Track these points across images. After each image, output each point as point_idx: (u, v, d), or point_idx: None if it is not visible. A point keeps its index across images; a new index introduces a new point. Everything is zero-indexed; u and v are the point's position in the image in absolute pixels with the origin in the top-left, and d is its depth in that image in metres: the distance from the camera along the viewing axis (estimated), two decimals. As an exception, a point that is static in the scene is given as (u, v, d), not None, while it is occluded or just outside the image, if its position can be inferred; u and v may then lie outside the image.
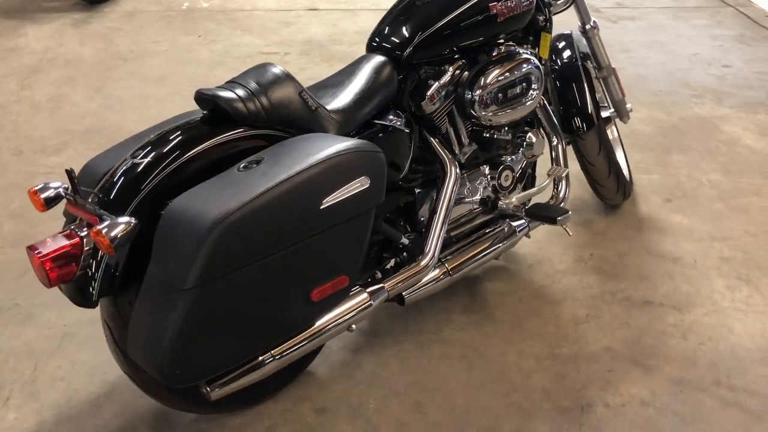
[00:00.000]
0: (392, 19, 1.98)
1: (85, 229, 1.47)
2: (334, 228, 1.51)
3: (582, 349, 2.07)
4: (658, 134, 3.25)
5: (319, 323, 1.64)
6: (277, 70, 1.69)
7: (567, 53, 2.39)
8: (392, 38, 1.93)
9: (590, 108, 2.36)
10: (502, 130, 2.10)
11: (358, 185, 1.52)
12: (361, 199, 1.54)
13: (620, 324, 2.16)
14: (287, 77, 1.68)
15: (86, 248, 1.46)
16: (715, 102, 3.57)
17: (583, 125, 2.36)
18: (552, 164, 2.30)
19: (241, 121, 1.60)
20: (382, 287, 1.79)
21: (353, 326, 1.74)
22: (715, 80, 3.83)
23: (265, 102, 1.62)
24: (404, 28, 1.93)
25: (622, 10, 4.88)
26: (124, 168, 1.52)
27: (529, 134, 2.17)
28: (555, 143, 2.27)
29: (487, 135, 2.10)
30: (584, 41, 2.47)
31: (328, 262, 1.56)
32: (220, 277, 1.36)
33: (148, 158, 1.52)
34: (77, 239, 1.46)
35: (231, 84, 1.65)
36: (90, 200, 1.47)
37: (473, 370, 1.99)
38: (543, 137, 2.23)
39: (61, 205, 1.58)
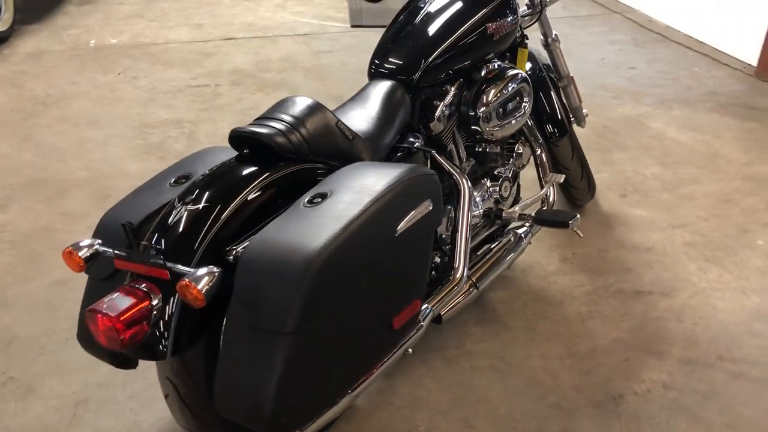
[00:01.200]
0: (396, 43, 1.99)
1: (144, 284, 1.38)
2: (408, 253, 1.50)
3: (595, 343, 2.16)
4: (594, 135, 3.43)
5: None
6: (309, 101, 1.65)
7: (530, 65, 2.49)
8: (400, 63, 1.94)
9: (561, 115, 2.47)
10: (494, 144, 2.16)
11: (424, 208, 1.51)
12: (427, 222, 1.53)
13: (621, 315, 2.27)
14: (322, 108, 1.65)
15: (155, 303, 1.37)
16: (633, 101, 3.83)
17: (556, 132, 2.46)
18: (538, 172, 2.39)
19: (285, 156, 1.56)
20: (427, 307, 1.79)
21: (410, 349, 1.72)
22: (626, 82, 4.10)
23: (306, 134, 1.57)
24: (411, 52, 1.94)
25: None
26: (178, 216, 1.43)
27: (517, 145, 2.25)
28: (539, 152, 2.36)
29: (480, 150, 2.15)
30: (544, 53, 2.58)
31: (404, 288, 1.54)
32: (317, 316, 1.32)
33: (202, 203, 1.44)
34: (143, 295, 1.36)
35: (265, 119, 1.60)
36: (152, 253, 1.37)
37: (506, 379, 2.03)
38: (528, 147, 2.31)
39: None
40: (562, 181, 2.33)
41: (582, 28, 4.96)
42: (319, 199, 1.45)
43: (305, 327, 1.30)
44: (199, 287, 1.26)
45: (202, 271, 1.28)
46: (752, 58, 4.18)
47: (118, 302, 1.34)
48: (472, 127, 2.04)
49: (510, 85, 2.09)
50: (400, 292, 1.52)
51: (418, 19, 2.03)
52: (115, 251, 1.41)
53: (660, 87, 4.03)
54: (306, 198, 1.47)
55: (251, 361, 1.32)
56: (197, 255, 1.39)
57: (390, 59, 1.97)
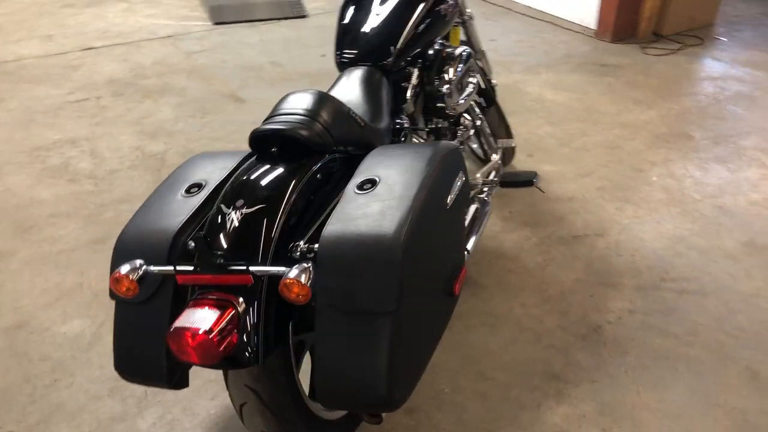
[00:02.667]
0: (362, 32, 2.02)
1: (214, 295, 1.34)
2: (455, 223, 1.57)
3: (561, 287, 2.36)
4: (484, 104, 3.66)
5: None
6: (317, 93, 1.63)
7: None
8: (373, 49, 1.98)
9: (487, 86, 2.63)
10: (445, 120, 2.27)
11: (460, 179, 1.58)
12: (464, 192, 1.61)
13: (571, 259, 2.50)
14: (332, 98, 1.64)
15: (240, 310, 1.33)
16: (506, 71, 4.11)
17: (484, 102, 2.63)
18: (481, 141, 2.54)
19: (314, 149, 1.56)
20: None
21: None
22: (493, 53, 4.33)
23: (327, 125, 1.56)
24: (381, 38, 1.99)
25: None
26: (235, 222, 1.39)
27: (461, 119, 2.38)
28: (479, 123, 2.51)
29: (435, 126, 2.26)
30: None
31: (456, 256, 1.60)
32: (407, 292, 1.35)
33: (257, 206, 1.41)
34: (225, 305, 1.32)
35: (281, 116, 1.56)
36: (222, 262, 1.33)
37: (498, 331, 2.17)
38: (470, 119, 2.45)
39: None
40: (514, 144, 2.50)
41: (434, 8, 5.19)
42: (370, 185, 1.47)
43: (401, 303, 1.33)
44: (304, 282, 1.25)
45: (299, 267, 1.26)
46: (590, 21, 4.63)
47: (204, 316, 1.29)
48: (438, 105, 2.14)
49: (464, 61, 2.21)
50: (454, 261, 1.59)
51: (375, 6, 2.08)
52: (177, 267, 1.35)
53: (522, 55, 4.36)
54: (353, 185, 1.48)
55: (355, 346, 1.32)
56: (269, 256, 1.37)
57: (361, 47, 2.00)
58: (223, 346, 1.28)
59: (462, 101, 2.21)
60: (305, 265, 1.27)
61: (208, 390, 1.96)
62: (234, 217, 1.39)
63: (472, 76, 2.29)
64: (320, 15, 5.12)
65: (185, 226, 1.45)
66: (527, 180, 2.27)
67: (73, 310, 2.27)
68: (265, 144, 1.55)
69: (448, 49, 2.22)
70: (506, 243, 2.58)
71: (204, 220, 1.48)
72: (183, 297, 1.44)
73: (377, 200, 1.42)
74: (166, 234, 1.43)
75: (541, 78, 4.02)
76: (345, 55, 2.02)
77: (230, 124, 3.49)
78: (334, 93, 1.92)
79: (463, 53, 2.23)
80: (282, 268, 1.29)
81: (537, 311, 2.25)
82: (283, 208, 1.42)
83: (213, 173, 1.60)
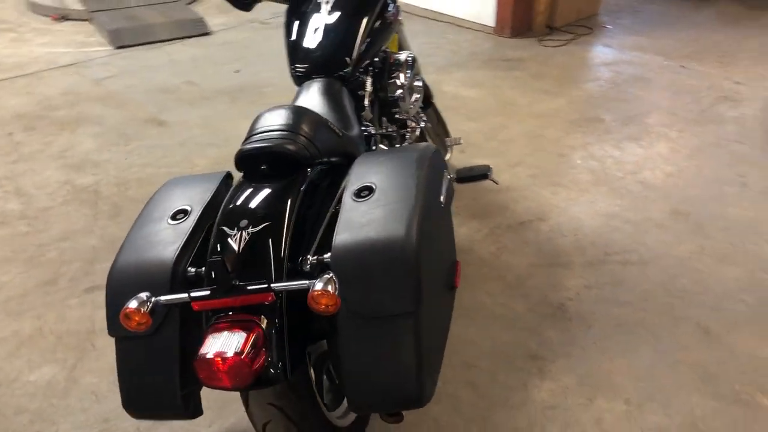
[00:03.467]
0: (316, 45, 2.04)
1: (231, 316, 1.33)
2: (448, 220, 1.63)
3: (518, 272, 2.48)
4: (407, 106, 3.75)
5: None
6: (293, 107, 1.64)
7: None
8: (331, 61, 2.00)
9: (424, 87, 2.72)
10: (394, 124, 2.34)
11: (446, 177, 1.64)
12: (451, 189, 1.66)
13: (522, 244, 2.63)
14: (309, 111, 1.66)
15: (264, 329, 1.34)
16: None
17: (423, 104, 2.71)
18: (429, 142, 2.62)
19: (302, 162, 1.54)
20: None
21: None
22: (402, 56, 4.48)
23: (311, 137, 1.57)
24: (337, 49, 2.02)
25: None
26: (243, 242, 1.39)
27: (408, 121, 2.45)
28: (423, 124, 2.58)
29: (386, 131, 2.31)
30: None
31: (452, 251, 1.65)
32: (424, 289, 1.39)
33: (262, 224, 1.40)
34: (248, 325, 1.32)
35: (263, 134, 1.54)
36: (237, 284, 1.33)
37: (473, 321, 2.25)
38: (415, 121, 2.52)
39: None
40: (461, 143, 2.59)
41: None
42: (368, 192, 1.49)
43: (420, 302, 1.38)
44: (332, 291, 1.27)
45: (323, 278, 1.26)
46: (489, 20, 4.83)
47: (230, 338, 1.28)
48: (393, 110, 2.19)
49: (411, 66, 2.28)
50: (451, 256, 1.65)
51: (321, 17, 2.09)
52: (191, 293, 1.33)
53: (431, 56, 4.49)
54: (349, 194, 1.50)
55: (382, 349, 1.35)
56: (283, 272, 1.38)
57: (317, 59, 2.02)
58: (255, 367, 1.28)
59: (413, 105, 2.28)
60: (328, 275, 1.27)
61: (205, 418, 1.92)
62: (240, 238, 1.39)
63: (419, 80, 2.37)
64: (224, 31, 5.05)
65: (182, 253, 1.43)
66: (482, 173, 2.36)
67: (38, 356, 2.16)
68: (252, 163, 1.55)
69: (395, 55, 2.29)
70: (459, 237, 2.67)
71: (197, 245, 1.47)
72: (190, 324, 1.43)
73: (379, 206, 1.45)
74: (164, 263, 1.41)
75: (454, 77, 4.16)
76: (301, 69, 2.03)
77: (157, 148, 3.40)
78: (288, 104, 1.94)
79: (409, 58, 2.30)
80: (304, 282, 1.29)
81: (503, 298, 2.35)
82: (287, 224, 1.43)
83: (195, 198, 1.58)
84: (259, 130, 1.57)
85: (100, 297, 2.38)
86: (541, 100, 3.83)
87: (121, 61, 4.48)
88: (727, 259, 2.51)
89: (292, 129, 1.55)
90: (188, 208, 1.55)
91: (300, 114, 1.63)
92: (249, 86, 4.10)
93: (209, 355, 1.25)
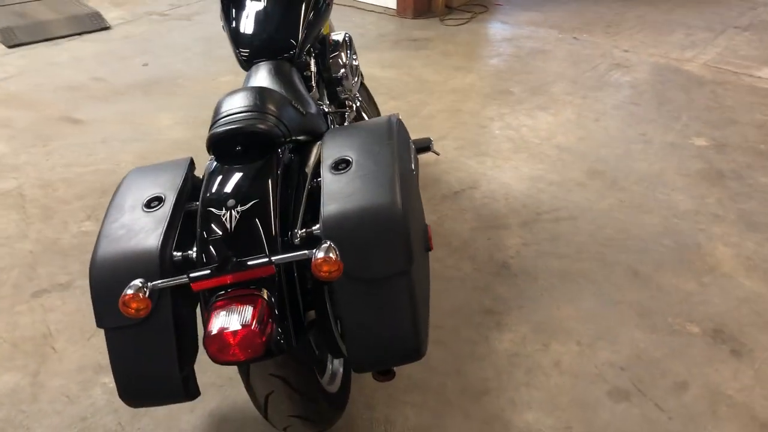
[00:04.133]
0: (260, 28, 2.05)
1: (233, 292, 1.37)
2: (417, 186, 1.70)
3: (461, 237, 2.62)
4: (327, 90, 3.80)
5: None
6: (257, 89, 1.65)
7: None
8: (277, 43, 2.02)
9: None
10: (333, 104, 2.40)
11: (411, 145, 1.71)
12: (415, 156, 1.75)
13: (460, 211, 2.76)
14: (273, 91, 1.67)
15: (267, 300, 1.38)
16: (333, 55, 4.26)
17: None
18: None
19: (275, 142, 1.55)
20: None
21: None
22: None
23: (279, 117, 1.58)
24: (283, 30, 2.04)
25: (186, 8, 5.15)
26: (234, 221, 1.41)
27: (346, 102, 2.52)
28: (358, 103, 2.65)
29: (329, 110, 2.38)
30: None
31: (422, 215, 1.71)
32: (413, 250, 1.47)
33: (250, 202, 1.43)
34: (252, 299, 1.35)
35: (230, 116, 1.54)
36: (236, 261, 1.36)
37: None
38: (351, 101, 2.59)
39: None
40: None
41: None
42: (345, 165, 1.54)
43: (412, 261, 1.46)
44: (335, 258, 1.29)
45: (323, 246, 1.28)
46: (390, 2, 4.94)
47: (237, 313, 1.32)
48: (337, 89, 2.25)
49: (350, 46, 2.34)
50: (423, 220, 1.73)
51: (265, 2, 2.10)
52: (191, 274, 1.35)
53: (341, 40, 4.54)
54: (327, 168, 1.53)
55: (381, 309, 1.42)
56: (278, 246, 1.42)
57: (264, 42, 2.03)
58: (265, 337, 1.32)
59: (354, 83, 2.35)
60: (327, 244, 1.30)
61: (184, 405, 1.93)
62: (230, 217, 1.41)
63: (355, 59, 2.44)
64: (123, 24, 4.87)
65: (166, 238, 1.45)
66: (425, 146, 2.45)
67: (-4, 366, 2.08)
68: (225, 145, 1.54)
69: (332, 36, 2.34)
70: (401, 209, 2.77)
71: (177, 229, 1.49)
72: (181, 308, 1.45)
73: (359, 176, 1.51)
74: (151, 250, 1.42)
75: (367, 58, 4.23)
76: (248, 53, 2.04)
77: (78, 147, 3.28)
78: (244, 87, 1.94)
79: (346, 37, 2.36)
80: (304, 252, 1.32)
81: (452, 261, 2.48)
82: (272, 201, 1.47)
83: (165, 185, 1.59)
84: (227, 113, 1.56)
85: (50, 300, 2.32)
86: (454, 77, 3.99)
87: (19, 61, 4.24)
88: (643, 209, 2.75)
89: (261, 109, 1.56)
90: (162, 196, 1.56)
91: (266, 94, 1.64)
92: (161, 79, 4.00)
93: (218, 331, 1.29)
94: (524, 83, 3.89)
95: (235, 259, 1.34)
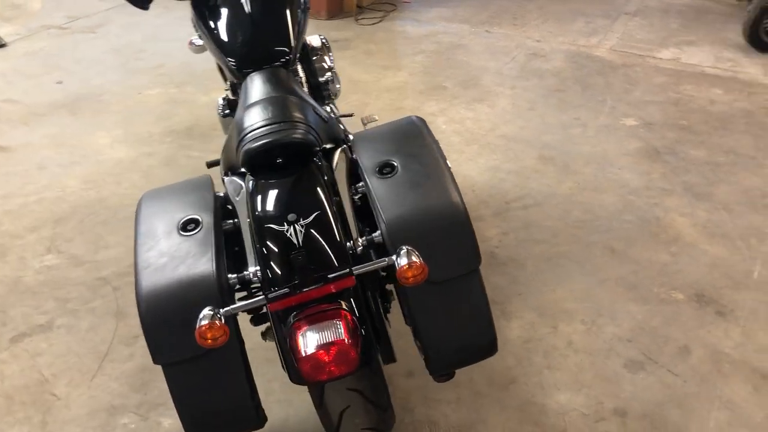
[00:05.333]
0: (252, 35, 1.95)
1: (312, 309, 1.31)
2: None
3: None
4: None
5: None
6: (282, 98, 1.58)
7: None
8: (273, 50, 1.92)
9: None
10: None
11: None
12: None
13: (434, 208, 2.78)
14: (298, 99, 1.60)
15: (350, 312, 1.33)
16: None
17: None
18: None
19: (312, 151, 1.49)
20: None
21: None
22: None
23: (309, 124, 1.51)
24: (277, 36, 1.93)
25: (86, 20, 4.81)
26: (302, 236, 1.35)
27: (330, 104, 2.46)
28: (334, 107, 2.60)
29: None
30: None
31: None
32: None
33: (311, 214, 1.37)
34: (336, 313, 1.30)
35: (266, 128, 1.46)
36: (310, 280, 1.31)
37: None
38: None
39: None
40: (377, 119, 2.63)
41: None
42: (390, 169, 1.50)
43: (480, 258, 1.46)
44: (419, 262, 1.25)
45: (403, 252, 1.26)
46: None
47: (327, 331, 1.27)
48: (325, 92, 2.20)
49: (328, 48, 2.29)
50: None
51: (246, 7, 1.99)
52: (269, 295, 1.29)
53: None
54: (371, 175, 1.50)
55: (457, 309, 1.41)
56: (348, 256, 1.37)
57: (257, 50, 1.92)
58: (358, 350, 1.28)
59: (339, 86, 2.30)
60: (405, 249, 1.27)
61: None
62: (295, 232, 1.35)
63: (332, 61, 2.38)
64: (20, 41, 4.49)
65: (218, 261, 1.38)
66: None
67: (-6, 424, 1.87)
68: (262, 160, 1.47)
69: (309, 40, 2.28)
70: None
71: (223, 251, 1.42)
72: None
73: (409, 179, 1.48)
74: (206, 275, 1.35)
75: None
76: (242, 61, 1.93)
77: (12, 176, 3.00)
78: (256, 101, 1.85)
79: (324, 40, 2.31)
80: (383, 260, 1.29)
81: (441, 257, 2.50)
82: (334, 210, 1.42)
83: (197, 205, 1.51)
84: (255, 126, 1.49)
85: (33, 344, 2.13)
86: (384, 76, 3.99)
87: None
88: (599, 189, 2.89)
89: (291, 119, 1.50)
90: (197, 218, 1.47)
91: (290, 103, 1.57)
92: (83, 97, 3.73)
93: (312, 351, 1.24)
94: (454, 78, 3.97)
95: (312, 274, 1.29)
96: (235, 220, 1.55)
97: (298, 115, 1.53)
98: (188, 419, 1.38)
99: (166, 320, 1.33)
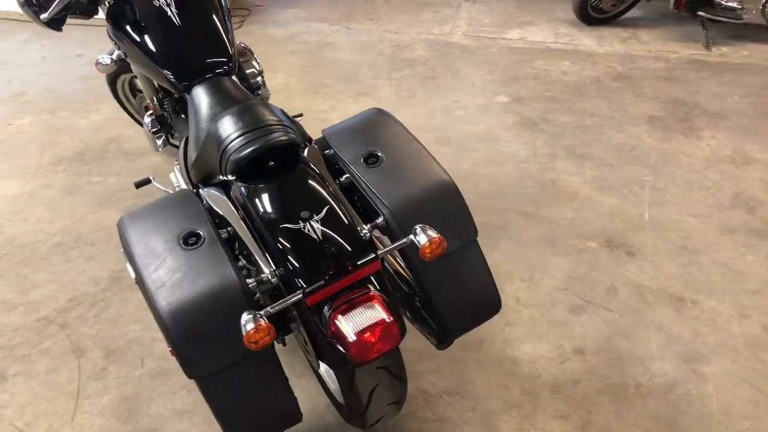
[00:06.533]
0: (194, 45, 1.92)
1: (344, 296, 1.36)
2: None
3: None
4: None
5: None
6: (255, 105, 1.58)
7: None
8: (214, 60, 1.90)
9: None
10: None
11: None
12: None
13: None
14: (265, 104, 1.62)
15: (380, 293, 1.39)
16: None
17: None
18: None
19: (298, 150, 1.54)
20: None
21: None
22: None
23: (287, 124, 1.56)
24: (216, 47, 1.93)
25: None
26: (320, 231, 1.38)
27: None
28: None
29: None
30: None
31: None
32: None
33: (323, 208, 1.42)
34: (369, 296, 1.35)
35: (251, 134, 1.48)
36: (341, 270, 1.36)
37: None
38: None
39: None
40: (303, 115, 2.64)
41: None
42: (375, 159, 1.59)
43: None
44: (437, 237, 1.33)
45: (419, 230, 1.34)
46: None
47: (367, 314, 1.32)
48: (257, 96, 2.20)
49: (252, 53, 2.28)
50: None
51: (176, 19, 1.94)
52: (306, 290, 1.33)
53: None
54: (358, 166, 1.57)
55: (465, 276, 1.53)
56: (365, 243, 1.43)
57: (200, 60, 1.89)
58: (398, 324, 1.35)
59: (269, 92, 2.31)
60: (420, 227, 1.35)
61: None
62: (312, 227, 1.39)
63: None
64: None
65: (236, 268, 1.40)
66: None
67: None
68: (252, 166, 1.49)
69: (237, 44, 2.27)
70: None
71: (235, 257, 1.45)
72: None
73: (398, 165, 1.57)
74: (230, 282, 1.37)
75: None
76: (182, 73, 1.89)
77: None
78: (213, 107, 1.81)
79: (244, 46, 2.30)
80: (404, 240, 1.37)
81: (380, 244, 2.59)
82: (340, 202, 1.47)
83: (190, 218, 1.51)
84: (238, 132, 1.50)
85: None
86: (265, 79, 3.97)
87: None
88: (496, 162, 3.13)
89: (270, 123, 1.52)
90: (196, 230, 1.47)
91: (261, 108, 1.58)
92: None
93: (356, 335, 1.29)
94: (332, 74, 4.04)
95: (339, 264, 1.34)
96: (228, 228, 1.55)
97: (273, 118, 1.55)
98: (233, 426, 1.38)
99: (198, 334, 1.33)
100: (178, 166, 2.41)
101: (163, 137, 2.39)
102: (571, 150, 3.20)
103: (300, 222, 1.39)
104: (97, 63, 2.39)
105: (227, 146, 1.51)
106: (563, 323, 2.22)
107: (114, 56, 2.38)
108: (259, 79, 2.22)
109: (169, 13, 1.98)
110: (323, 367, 1.83)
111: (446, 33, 4.67)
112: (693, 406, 1.92)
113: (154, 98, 2.32)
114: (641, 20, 4.75)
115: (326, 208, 1.42)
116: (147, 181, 2.48)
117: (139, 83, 2.38)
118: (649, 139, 3.27)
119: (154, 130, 2.35)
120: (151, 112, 2.37)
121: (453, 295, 1.54)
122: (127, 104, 3.01)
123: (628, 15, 4.72)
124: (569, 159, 3.13)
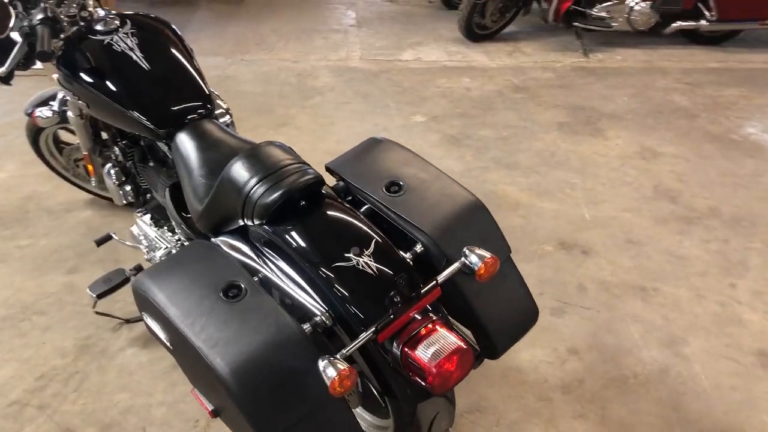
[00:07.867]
0: (170, 91, 1.82)
1: (409, 328, 1.32)
2: None
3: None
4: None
5: None
6: (270, 146, 1.52)
7: None
8: (193, 105, 1.81)
9: None
10: None
11: None
12: None
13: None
14: (273, 143, 1.55)
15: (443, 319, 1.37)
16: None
17: None
18: None
19: (324, 184, 1.47)
20: None
21: None
22: None
23: (303, 162, 1.49)
24: (191, 90, 1.86)
25: None
26: (374, 267, 1.33)
27: None
28: None
29: None
30: None
31: None
32: None
33: (370, 241, 1.36)
34: (434, 323, 1.32)
35: (270, 178, 1.42)
36: (407, 301, 1.33)
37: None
38: None
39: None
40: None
41: None
42: (397, 188, 1.54)
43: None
44: (491, 257, 1.33)
45: (470, 254, 1.34)
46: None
47: (440, 343, 1.29)
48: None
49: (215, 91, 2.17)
50: None
51: (145, 65, 1.82)
52: (378, 326, 1.29)
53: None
54: (381, 195, 1.53)
55: (506, 291, 1.53)
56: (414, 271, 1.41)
57: (180, 105, 1.79)
58: (471, 349, 1.34)
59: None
60: (468, 247, 1.36)
61: None
62: (366, 263, 1.35)
63: None
64: None
65: (290, 316, 1.34)
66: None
67: None
68: (282, 208, 1.41)
69: None
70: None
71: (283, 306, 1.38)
72: None
73: (420, 191, 1.54)
74: (290, 331, 1.29)
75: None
76: (161, 119, 1.77)
77: None
78: (207, 153, 1.71)
79: None
80: (455, 265, 1.36)
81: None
82: (381, 235, 1.43)
83: (225, 270, 1.41)
84: (260, 176, 1.43)
85: None
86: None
87: None
88: (449, 156, 3.17)
89: (288, 162, 1.46)
90: (236, 281, 1.37)
91: (271, 148, 1.52)
92: None
93: (436, 365, 1.26)
94: (245, 108, 3.91)
95: (402, 295, 1.31)
96: (259, 275, 1.46)
97: (290, 157, 1.49)
98: None
99: (267, 389, 1.23)
100: (143, 219, 2.22)
101: (130, 188, 2.19)
102: (498, 161, 3.32)
103: (351, 260, 1.33)
104: (35, 116, 2.15)
105: (251, 191, 1.43)
106: (550, 327, 2.29)
107: (56, 107, 2.16)
108: (227, 117, 2.10)
109: (135, 57, 1.84)
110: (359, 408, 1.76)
111: (344, 58, 4.68)
112: (688, 386, 2.05)
113: (116, 147, 2.13)
114: (519, 33, 5.04)
115: (373, 241, 1.38)
116: (108, 238, 2.32)
117: (73, 133, 2.19)
118: (564, 143, 3.47)
119: (120, 180, 2.15)
120: (111, 164, 2.17)
121: (501, 312, 1.54)
122: (52, 161, 2.73)
123: (507, 30, 4.99)
124: (500, 170, 3.25)
